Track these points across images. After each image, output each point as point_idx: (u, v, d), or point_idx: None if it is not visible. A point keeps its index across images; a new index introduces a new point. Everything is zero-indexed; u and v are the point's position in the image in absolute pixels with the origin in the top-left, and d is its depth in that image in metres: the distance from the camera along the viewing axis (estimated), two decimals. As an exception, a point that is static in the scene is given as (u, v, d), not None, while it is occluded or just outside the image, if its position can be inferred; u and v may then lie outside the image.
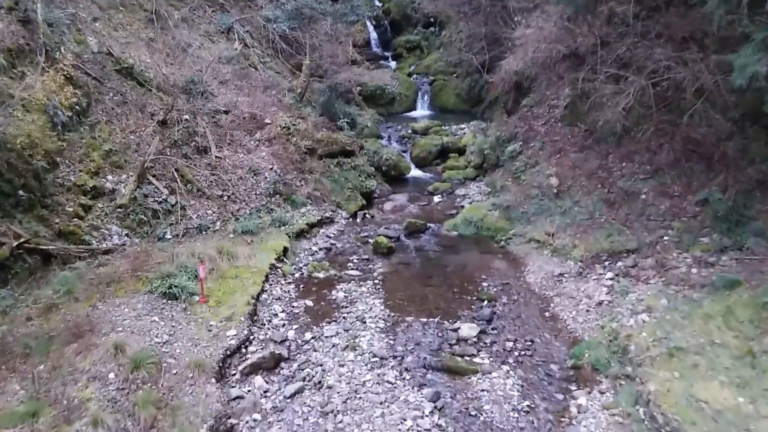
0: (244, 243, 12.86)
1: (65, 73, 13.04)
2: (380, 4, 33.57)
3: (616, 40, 13.75)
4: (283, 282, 12.00)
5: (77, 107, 13.21)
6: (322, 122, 17.30)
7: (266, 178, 14.84)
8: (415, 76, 27.60)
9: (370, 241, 14.03)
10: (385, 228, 14.87)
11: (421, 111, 25.73)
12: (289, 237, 13.52)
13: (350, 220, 15.49)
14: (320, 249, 13.67)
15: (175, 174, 13.77)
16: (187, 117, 14.97)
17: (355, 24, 28.34)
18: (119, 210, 12.55)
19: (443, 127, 22.37)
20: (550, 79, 16.62)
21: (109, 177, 12.98)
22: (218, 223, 13.48)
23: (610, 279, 11.34)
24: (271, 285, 11.70)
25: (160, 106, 14.71)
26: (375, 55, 30.22)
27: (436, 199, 16.98)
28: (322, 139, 16.27)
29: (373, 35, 31.61)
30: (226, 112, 15.85)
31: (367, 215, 15.76)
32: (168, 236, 12.75)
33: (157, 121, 14.34)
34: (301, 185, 15.37)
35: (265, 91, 17.38)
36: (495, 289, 11.76)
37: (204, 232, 13.12)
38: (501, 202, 14.94)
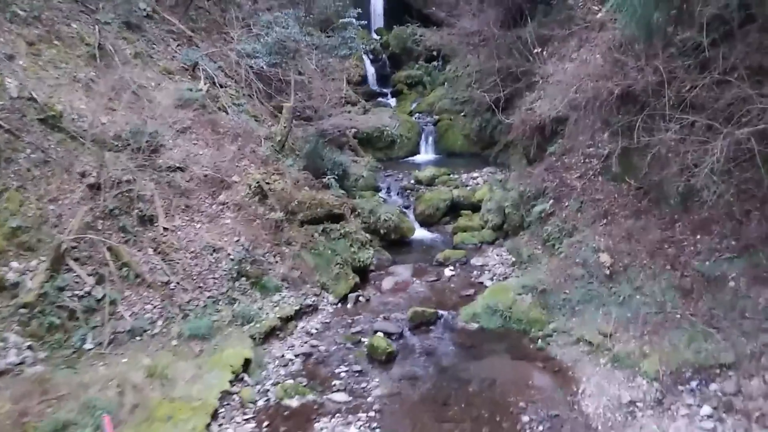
0: (191, 354, 9.45)
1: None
2: (378, 38, 30.88)
3: (678, 76, 10.55)
4: (239, 419, 8.48)
5: (-24, 170, 10.00)
6: (305, 178, 14.01)
7: (229, 255, 11.48)
8: (417, 115, 24.54)
9: (364, 340, 10.60)
10: (384, 318, 11.45)
11: (425, 155, 22.55)
12: (255, 340, 10.10)
13: (339, 306, 12.07)
14: (297, 356, 10.19)
15: (107, 255, 10.42)
16: (129, 178, 11.69)
17: (350, 59, 25.49)
18: (22, 311, 9.15)
19: (452, 175, 19.13)
20: (585, 122, 13.34)
21: (14, 264, 9.62)
22: (160, 322, 10.06)
23: (709, 416, 7.88)
24: (221, 427, 8.22)
25: (94, 165, 11.43)
26: (372, 93, 27.30)
27: (448, 272, 13.58)
28: (304, 201, 12.95)
29: (371, 70, 28.80)
30: (180, 170, 12.56)
31: (360, 298, 12.34)
32: (88, 345, 9.35)
33: (87, 185, 11.06)
34: (276, 263, 11.98)
35: (235, 141, 14.14)
36: (541, 428, 8.27)
37: (139, 338, 9.70)
38: (533, 283, 11.51)
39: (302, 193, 13.10)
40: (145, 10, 16.63)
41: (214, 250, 11.45)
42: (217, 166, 13.04)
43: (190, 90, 14.69)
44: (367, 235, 14.06)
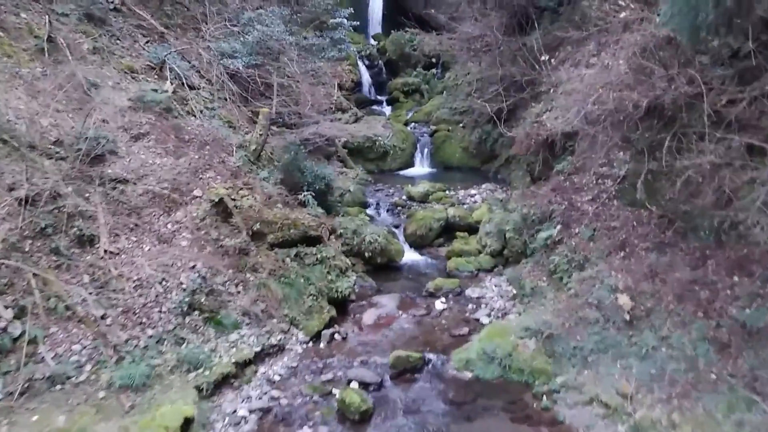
0: (119, 410, 7.73)
1: None
2: (375, 43, 29.51)
3: (714, 87, 8.92)
4: (167, 502, 6.81)
5: None
6: (279, 194, 12.30)
7: (181, 284, 9.76)
8: (413, 125, 22.94)
9: (336, 392, 8.87)
10: (362, 363, 9.71)
11: (420, 168, 20.94)
12: (201, 392, 8.36)
13: (310, 345, 10.33)
14: (252, 411, 8.42)
15: (32, 283, 8.72)
16: (67, 191, 10.00)
17: (343, 63, 23.99)
18: None
19: (447, 191, 17.50)
20: (601, 138, 11.68)
21: None
22: (88, 367, 8.33)
23: None
24: None
25: (27, 175, 9.75)
26: (366, 100, 25.76)
27: (439, 304, 11.88)
28: (275, 221, 11.24)
29: (366, 77, 27.31)
30: (131, 182, 10.87)
31: (336, 336, 10.62)
32: (-6, 397, 7.64)
33: (15, 198, 9.36)
34: (238, 293, 10.25)
35: (201, 149, 12.45)
36: None
37: (60, 386, 7.98)
38: (538, 325, 9.80)
39: (274, 211, 11.39)
40: (111, 2, 15.03)
41: (163, 278, 9.74)
42: (175, 179, 11.35)
43: (155, 91, 13.01)
44: (348, 260, 12.32)
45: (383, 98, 26.58)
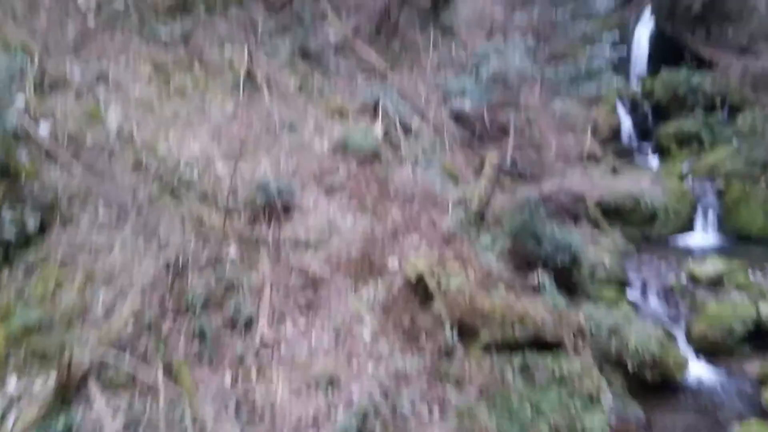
0: None
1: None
2: (639, 85, 25.06)
3: None
4: None
5: (14, 233, 6.99)
6: (503, 271, 8.79)
7: (352, 397, 6.81)
8: (690, 179, 17.80)
9: None
10: None
11: (702, 236, 15.73)
12: None
13: None
14: None
15: (159, 380, 6.49)
16: (233, 254, 7.84)
17: (599, 106, 20.09)
18: (-15, 471, 5.59)
19: (751, 273, 12.24)
20: None
21: (11, 381, 6.19)
22: None
23: None
24: None
25: (190, 236, 7.83)
26: (625, 150, 21.40)
27: (757, 471, 7.16)
28: (493, 312, 7.76)
29: (626, 123, 23.01)
30: (306, 246, 8.41)
31: None
32: None
33: (166, 263, 7.39)
34: (429, 423, 6.94)
35: (407, 206, 9.66)
36: None
37: None
38: None
39: (492, 297, 7.94)
40: (328, 39, 13.42)
41: (327, 388, 6.88)
42: (368, 244, 8.63)
43: (362, 135, 10.69)
44: (599, 371, 8.22)
45: (648, 148, 21.92)
